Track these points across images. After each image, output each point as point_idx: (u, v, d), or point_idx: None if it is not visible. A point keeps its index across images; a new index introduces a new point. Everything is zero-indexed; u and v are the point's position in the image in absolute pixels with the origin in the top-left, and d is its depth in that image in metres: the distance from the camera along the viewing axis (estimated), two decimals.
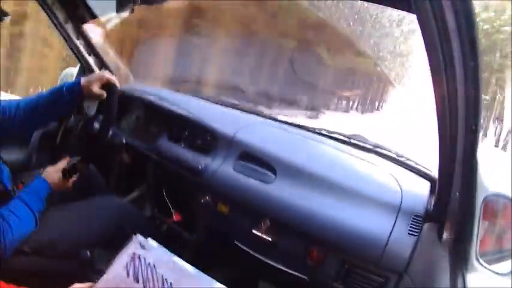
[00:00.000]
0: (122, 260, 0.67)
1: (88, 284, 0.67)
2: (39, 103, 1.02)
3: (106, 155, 1.39)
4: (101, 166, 1.30)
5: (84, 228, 0.99)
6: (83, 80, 1.02)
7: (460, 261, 0.72)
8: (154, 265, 0.65)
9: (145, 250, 0.67)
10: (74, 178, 1.02)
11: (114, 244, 0.97)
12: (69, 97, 1.01)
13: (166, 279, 0.64)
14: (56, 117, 1.11)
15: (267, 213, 0.97)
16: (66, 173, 1.00)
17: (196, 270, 0.66)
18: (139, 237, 0.69)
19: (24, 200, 0.91)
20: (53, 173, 0.99)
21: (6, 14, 0.92)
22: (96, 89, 1.01)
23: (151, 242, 0.69)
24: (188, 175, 1.12)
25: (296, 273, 0.96)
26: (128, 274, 0.65)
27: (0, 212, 0.85)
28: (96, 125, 1.13)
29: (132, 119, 1.40)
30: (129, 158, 1.35)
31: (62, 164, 1.02)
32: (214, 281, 0.64)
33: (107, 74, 1.04)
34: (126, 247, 0.68)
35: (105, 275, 0.66)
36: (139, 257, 0.66)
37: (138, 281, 0.64)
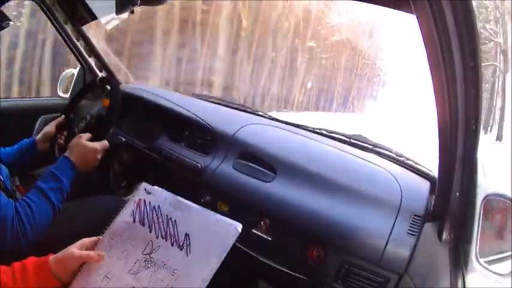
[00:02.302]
0: (128, 208, 0.69)
1: (95, 238, 0.68)
2: (8, 158, 1.05)
3: (106, 154, 1.39)
4: (101, 165, 1.30)
5: (83, 227, 0.97)
6: (37, 138, 1.08)
7: (460, 261, 0.71)
8: (159, 207, 0.67)
9: (151, 195, 0.68)
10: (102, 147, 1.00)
11: None
12: (28, 156, 1.07)
13: (170, 218, 0.65)
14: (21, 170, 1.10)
15: (267, 213, 0.97)
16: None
17: (200, 206, 0.66)
18: (144, 184, 0.70)
19: (41, 188, 0.86)
20: (78, 146, 0.94)
21: (8, 20, 0.91)
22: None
23: (156, 188, 0.70)
24: (188, 174, 1.12)
25: (295, 273, 0.96)
26: (134, 220, 0.67)
27: (16, 207, 0.81)
28: (97, 125, 1.12)
29: (132, 119, 1.39)
30: (129, 158, 1.35)
31: (87, 136, 0.97)
32: (217, 214, 0.65)
33: (52, 126, 1.09)
34: (133, 196, 0.70)
35: (111, 225, 0.68)
36: (144, 202, 0.68)
37: (144, 225, 0.66)
